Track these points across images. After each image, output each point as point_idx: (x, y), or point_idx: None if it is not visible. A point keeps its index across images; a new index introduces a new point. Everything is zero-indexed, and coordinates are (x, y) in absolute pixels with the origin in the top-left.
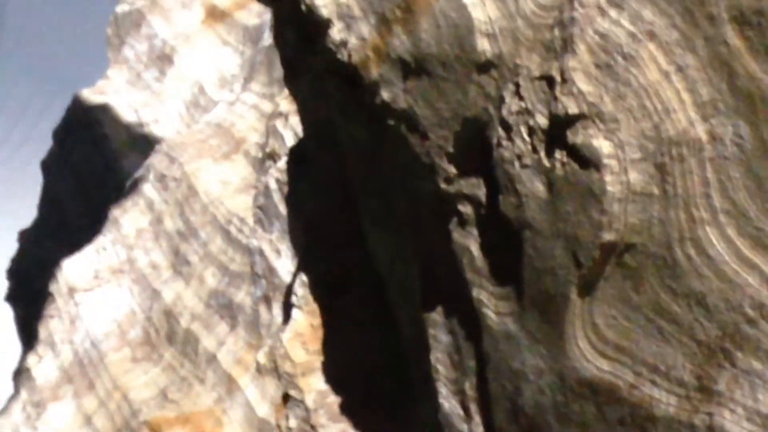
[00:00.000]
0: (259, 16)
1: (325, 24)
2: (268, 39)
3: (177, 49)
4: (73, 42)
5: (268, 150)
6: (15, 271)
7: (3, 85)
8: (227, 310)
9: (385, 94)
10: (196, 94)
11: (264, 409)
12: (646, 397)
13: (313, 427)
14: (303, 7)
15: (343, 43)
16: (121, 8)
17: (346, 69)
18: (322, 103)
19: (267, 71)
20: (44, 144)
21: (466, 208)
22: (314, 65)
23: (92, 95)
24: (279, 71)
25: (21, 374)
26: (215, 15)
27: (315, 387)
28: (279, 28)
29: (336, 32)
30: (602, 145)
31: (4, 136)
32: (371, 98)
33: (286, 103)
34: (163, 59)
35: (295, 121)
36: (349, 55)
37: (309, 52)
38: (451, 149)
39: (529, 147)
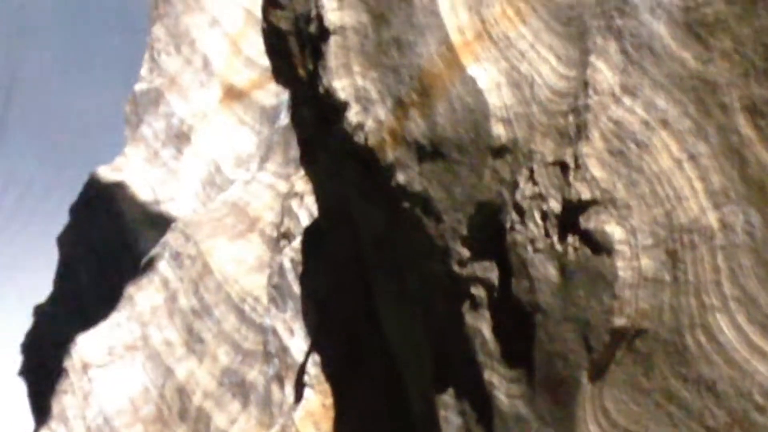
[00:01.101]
0: (276, 96)
1: (342, 106)
2: (284, 119)
3: (194, 127)
4: (81, 118)
5: (283, 229)
6: (29, 346)
7: (10, 160)
8: (240, 388)
9: (400, 177)
10: (213, 173)
11: None
12: None
13: None
14: (321, 89)
15: (360, 126)
16: (139, 87)
17: (363, 151)
18: (337, 183)
19: (283, 151)
20: (54, 218)
21: (478, 291)
22: (331, 146)
23: (109, 172)
24: (295, 151)
25: None
26: (233, 94)
27: None
28: (296, 108)
29: (353, 114)
30: (614, 230)
31: (12, 211)
32: (387, 180)
33: (301, 183)
34: (180, 137)
35: (311, 201)
36: (366, 138)
37: (326, 133)
38: (464, 232)
39: (542, 231)
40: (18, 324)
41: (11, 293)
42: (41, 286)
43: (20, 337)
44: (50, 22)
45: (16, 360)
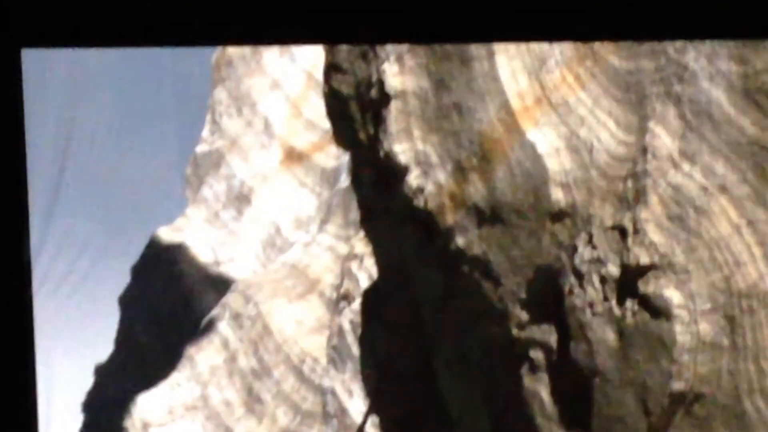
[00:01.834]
0: (336, 159)
1: (402, 170)
2: (344, 181)
3: (255, 189)
4: (135, 180)
5: (342, 291)
6: (90, 405)
7: (66, 221)
8: None
9: (460, 240)
10: (273, 235)
11: None
12: None
13: None
14: (381, 153)
15: (420, 189)
16: (200, 148)
17: (422, 214)
18: (396, 246)
19: (343, 213)
20: (109, 279)
21: (537, 354)
22: (391, 209)
23: (170, 233)
24: (355, 213)
25: None
26: (293, 157)
27: None
28: (357, 171)
29: (413, 178)
30: (673, 295)
31: (68, 272)
32: (446, 244)
33: (361, 245)
34: (240, 199)
35: (370, 263)
36: (426, 201)
37: (386, 196)
38: (523, 295)
39: (601, 295)
40: (79, 383)
41: (72, 353)
42: (101, 346)
43: (81, 396)
44: (104, 84)
45: (77, 419)
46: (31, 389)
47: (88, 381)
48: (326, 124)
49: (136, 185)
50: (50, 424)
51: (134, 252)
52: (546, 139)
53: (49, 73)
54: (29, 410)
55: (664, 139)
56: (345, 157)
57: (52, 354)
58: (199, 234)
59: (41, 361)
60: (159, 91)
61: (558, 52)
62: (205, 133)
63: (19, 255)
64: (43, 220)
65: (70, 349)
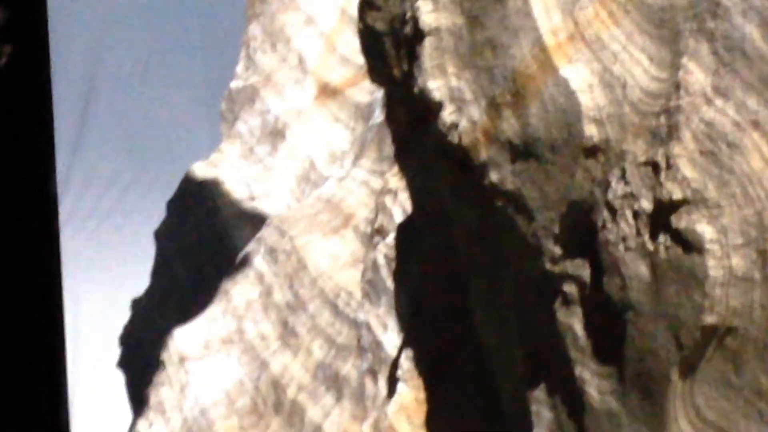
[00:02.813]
0: (370, 94)
1: (436, 106)
2: (379, 116)
3: (289, 124)
4: (162, 115)
5: (376, 226)
6: (127, 339)
7: (92, 154)
8: (333, 382)
9: (493, 176)
10: (307, 170)
11: None
12: None
13: None
14: (415, 90)
15: (454, 126)
16: (235, 84)
17: (456, 150)
18: (431, 180)
19: (377, 148)
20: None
21: (570, 288)
22: (425, 145)
23: (205, 168)
24: (389, 148)
25: None
26: (327, 92)
27: None
28: (391, 107)
29: (447, 114)
30: (705, 230)
31: (93, 205)
32: (480, 179)
33: (395, 179)
34: (275, 134)
35: (404, 197)
36: (460, 137)
37: (420, 132)
38: (557, 230)
39: (634, 230)
40: (117, 317)
41: (99, 287)
42: (128, 280)
43: (119, 330)
44: (132, 19)
45: (115, 352)
46: (59, 322)
47: (125, 314)
48: (360, 60)
49: (161, 120)
50: (81, 358)
51: (160, 187)
52: (579, 76)
53: (75, 8)
54: (57, 343)
55: (697, 75)
56: (379, 93)
57: (81, 288)
58: (234, 169)
59: (69, 297)
60: (186, 27)
61: None
62: (240, 68)
63: (46, 190)
64: (68, 156)
65: (97, 283)
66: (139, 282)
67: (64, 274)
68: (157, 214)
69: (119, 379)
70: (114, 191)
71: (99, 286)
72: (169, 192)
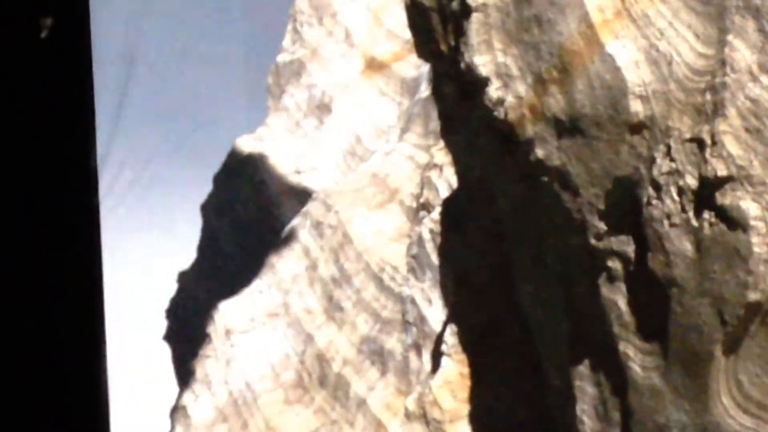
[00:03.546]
0: (417, 68)
1: (483, 82)
2: (425, 91)
3: (335, 98)
4: (201, 92)
5: (422, 200)
6: (174, 311)
7: (131, 129)
8: (378, 356)
9: (539, 152)
10: (353, 144)
11: None
12: None
13: None
14: (462, 65)
15: (500, 101)
16: (282, 58)
17: (503, 126)
18: (477, 156)
19: (423, 123)
20: (174, 187)
21: (615, 264)
22: (471, 120)
23: (252, 142)
24: (435, 123)
25: (177, 411)
26: (374, 66)
27: None
28: (437, 82)
29: (493, 90)
30: (750, 207)
31: (133, 179)
32: (526, 155)
33: (441, 154)
34: (321, 108)
35: (450, 172)
36: (506, 113)
37: (466, 107)
38: (601, 206)
39: (679, 207)
40: (164, 289)
41: (148, 259)
42: (168, 253)
43: (165, 303)
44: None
45: (162, 325)
46: (98, 294)
47: (172, 287)
48: (406, 34)
49: (200, 96)
50: (122, 330)
51: (198, 161)
52: (625, 52)
53: None
54: (96, 315)
55: (742, 52)
56: (425, 67)
57: (120, 261)
58: (281, 143)
59: (108, 271)
60: (227, 3)
61: None
62: (286, 42)
63: (86, 163)
64: (108, 130)
65: (137, 255)
66: (178, 255)
67: (103, 247)
68: (196, 189)
69: (166, 352)
70: (153, 166)
71: (138, 259)
72: (207, 166)
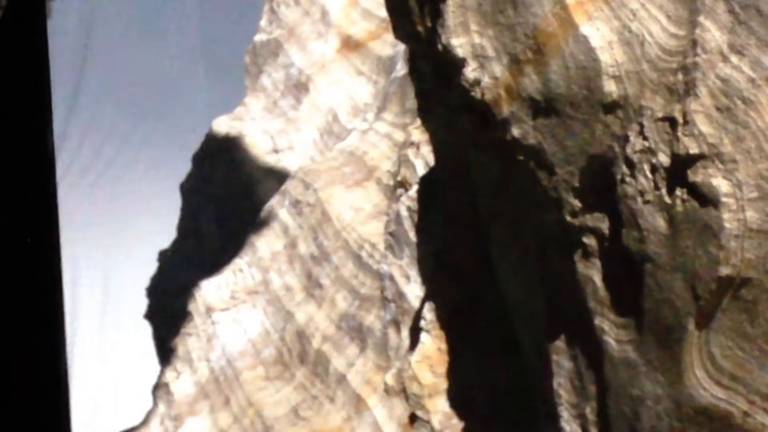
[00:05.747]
0: (393, 47)
1: (459, 63)
2: (401, 69)
3: (312, 78)
4: (156, 72)
5: (399, 178)
6: (154, 290)
7: (89, 107)
8: (357, 332)
9: (515, 131)
10: (330, 122)
11: (391, 429)
12: (758, 425)
13: None
14: (439, 46)
15: (477, 82)
16: (259, 37)
17: (479, 106)
18: (454, 135)
19: (400, 101)
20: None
21: (590, 241)
22: (448, 100)
23: (230, 121)
24: (411, 101)
25: (159, 389)
26: (350, 45)
27: (441, 408)
28: (414, 63)
29: (470, 71)
30: (721, 184)
31: (92, 157)
32: (502, 134)
33: (418, 132)
34: (299, 87)
35: (427, 150)
36: (482, 93)
37: (443, 87)
38: (576, 184)
39: (652, 184)
40: (143, 268)
41: (107, 239)
42: (129, 233)
43: (146, 282)
44: None
45: (142, 303)
46: (57, 274)
47: (152, 266)
48: (382, 13)
49: (158, 72)
50: (80, 313)
51: (156, 140)
52: (599, 33)
53: None
54: (56, 295)
55: (713, 32)
56: (401, 46)
57: (78, 239)
58: (258, 122)
59: (67, 249)
60: None
61: None
62: (263, 22)
63: (43, 144)
64: (66, 108)
65: (95, 235)
66: (140, 234)
67: (61, 226)
68: (154, 167)
69: (146, 330)
70: (111, 145)
71: (97, 238)
72: (166, 145)
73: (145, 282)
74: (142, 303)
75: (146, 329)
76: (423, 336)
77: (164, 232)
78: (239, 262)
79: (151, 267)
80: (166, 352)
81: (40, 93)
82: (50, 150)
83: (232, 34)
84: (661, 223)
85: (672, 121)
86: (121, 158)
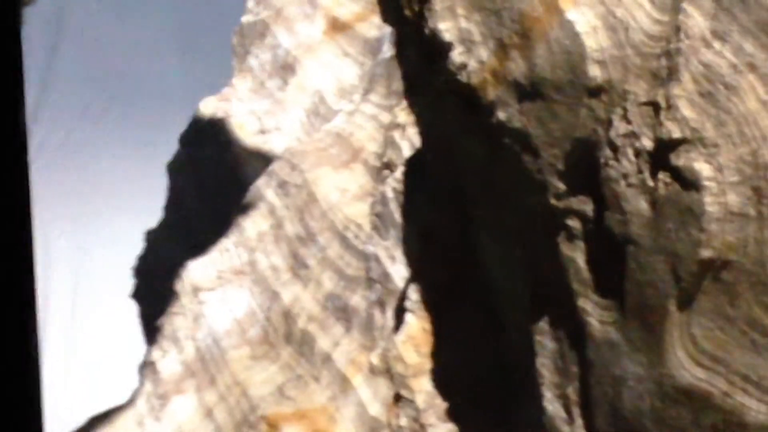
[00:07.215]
0: (379, 29)
1: (446, 47)
2: (387, 51)
3: (299, 59)
4: (132, 45)
5: (385, 160)
6: (141, 270)
7: (61, 87)
8: (343, 312)
9: (501, 115)
10: (317, 104)
11: (375, 408)
12: (738, 405)
13: (422, 426)
14: (426, 31)
15: (463, 66)
16: (246, 18)
17: (465, 90)
18: (440, 118)
19: (386, 83)
20: (105, 146)
21: (574, 223)
22: (434, 83)
23: (217, 102)
24: (397, 83)
25: (146, 368)
26: (337, 27)
27: (425, 388)
28: (402, 46)
29: (457, 55)
30: (703, 167)
31: (64, 137)
32: (488, 117)
33: (404, 114)
34: (286, 69)
35: (413, 132)
36: (469, 77)
37: (430, 71)
38: (561, 167)
39: (635, 167)
40: (131, 248)
41: (79, 218)
42: (103, 213)
43: (132, 261)
44: None
45: (129, 283)
46: (28, 252)
47: (139, 245)
48: None
49: (133, 51)
50: (52, 292)
51: (131, 119)
52: (584, 18)
53: None
54: (26, 275)
55: (696, 18)
56: (387, 28)
57: (50, 217)
58: (245, 103)
59: (39, 228)
60: None
61: None
62: (251, 3)
63: (16, 121)
64: (38, 87)
65: (67, 214)
66: (114, 213)
67: (33, 205)
68: (129, 146)
69: (133, 309)
70: (84, 124)
71: (69, 217)
72: (141, 124)
73: (131, 262)
74: (128, 283)
75: (133, 309)
76: (408, 316)
77: (150, 213)
78: (226, 242)
79: (137, 247)
80: (152, 331)
81: (12, 72)
82: (22, 130)
83: (209, 13)
84: (643, 205)
85: (655, 106)
86: (97, 138)
